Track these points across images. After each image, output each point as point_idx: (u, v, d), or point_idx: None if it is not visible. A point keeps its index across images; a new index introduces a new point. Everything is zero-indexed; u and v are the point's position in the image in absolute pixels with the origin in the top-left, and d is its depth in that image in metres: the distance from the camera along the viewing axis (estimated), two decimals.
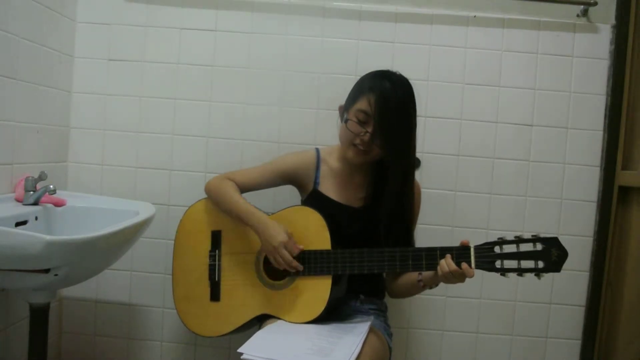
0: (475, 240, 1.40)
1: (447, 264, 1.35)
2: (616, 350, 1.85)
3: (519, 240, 1.35)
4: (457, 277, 1.35)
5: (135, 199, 1.83)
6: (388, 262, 1.42)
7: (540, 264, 1.34)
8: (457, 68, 1.88)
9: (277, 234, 1.44)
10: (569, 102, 1.88)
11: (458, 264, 1.34)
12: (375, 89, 1.44)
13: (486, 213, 1.90)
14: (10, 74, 1.55)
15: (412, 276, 1.50)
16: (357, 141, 1.46)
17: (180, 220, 1.64)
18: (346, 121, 1.48)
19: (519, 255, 1.34)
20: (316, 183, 1.58)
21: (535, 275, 1.34)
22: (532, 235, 1.35)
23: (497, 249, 1.36)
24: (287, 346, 1.29)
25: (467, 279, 1.36)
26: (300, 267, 1.45)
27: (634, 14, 1.83)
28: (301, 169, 1.60)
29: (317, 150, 1.63)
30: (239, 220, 1.52)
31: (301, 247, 1.46)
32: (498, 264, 1.35)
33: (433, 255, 1.39)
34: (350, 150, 1.49)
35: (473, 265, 1.36)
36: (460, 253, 1.37)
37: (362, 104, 1.45)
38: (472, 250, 1.36)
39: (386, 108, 1.42)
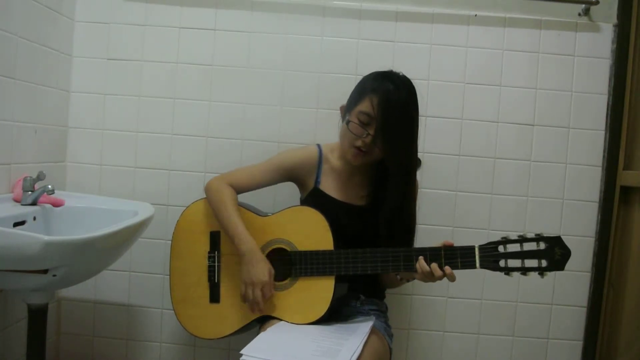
0: (476, 241, 1.39)
1: (420, 266, 1.36)
2: (618, 351, 1.84)
3: (522, 240, 1.35)
4: (437, 279, 1.37)
5: (134, 199, 1.82)
6: (392, 262, 1.42)
7: (544, 263, 1.34)
8: (458, 67, 1.87)
9: (262, 274, 1.43)
10: (570, 102, 1.87)
11: (461, 265, 1.35)
12: (378, 91, 1.42)
13: (487, 213, 1.89)
14: (9, 74, 1.54)
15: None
16: (359, 143, 1.45)
17: (177, 221, 1.62)
18: (348, 122, 1.47)
19: (522, 255, 1.35)
20: (317, 181, 1.57)
21: (538, 274, 1.34)
22: (536, 235, 1.35)
23: (500, 249, 1.36)
24: (291, 348, 1.28)
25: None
26: (262, 312, 1.46)
27: (635, 13, 1.83)
28: (303, 166, 1.59)
29: (319, 147, 1.62)
30: (229, 237, 1.51)
31: (273, 293, 1.46)
32: (502, 263, 1.35)
33: (437, 255, 1.38)
34: (351, 151, 1.48)
35: (477, 264, 1.36)
36: (465, 252, 1.37)
37: (364, 106, 1.44)
38: (476, 249, 1.36)
39: (389, 110, 1.41)
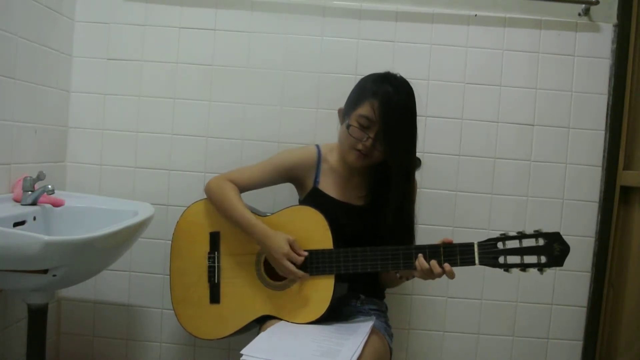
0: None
1: (419, 263, 1.36)
2: (618, 351, 1.84)
3: (521, 236, 1.35)
4: (436, 276, 1.37)
5: (134, 199, 1.82)
6: (392, 260, 1.42)
7: (543, 259, 1.34)
8: (458, 67, 1.87)
9: (279, 246, 1.43)
10: (570, 102, 1.87)
11: (460, 262, 1.36)
12: (378, 94, 1.42)
13: (487, 213, 1.89)
14: (9, 74, 1.54)
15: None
16: (359, 146, 1.45)
17: (177, 222, 1.62)
18: (348, 126, 1.46)
19: (521, 251, 1.35)
20: (316, 181, 1.57)
21: (538, 270, 1.34)
22: (535, 231, 1.35)
23: (500, 245, 1.36)
24: (292, 348, 1.28)
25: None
26: (305, 276, 1.44)
27: (635, 13, 1.83)
28: (302, 165, 1.59)
29: (318, 147, 1.62)
30: (240, 228, 1.51)
31: (305, 253, 1.44)
32: (501, 259, 1.36)
33: (436, 252, 1.38)
34: (351, 154, 1.48)
35: (477, 261, 1.36)
36: (464, 249, 1.37)
37: (364, 110, 1.44)
38: (475, 246, 1.36)
39: (389, 113, 1.41)
